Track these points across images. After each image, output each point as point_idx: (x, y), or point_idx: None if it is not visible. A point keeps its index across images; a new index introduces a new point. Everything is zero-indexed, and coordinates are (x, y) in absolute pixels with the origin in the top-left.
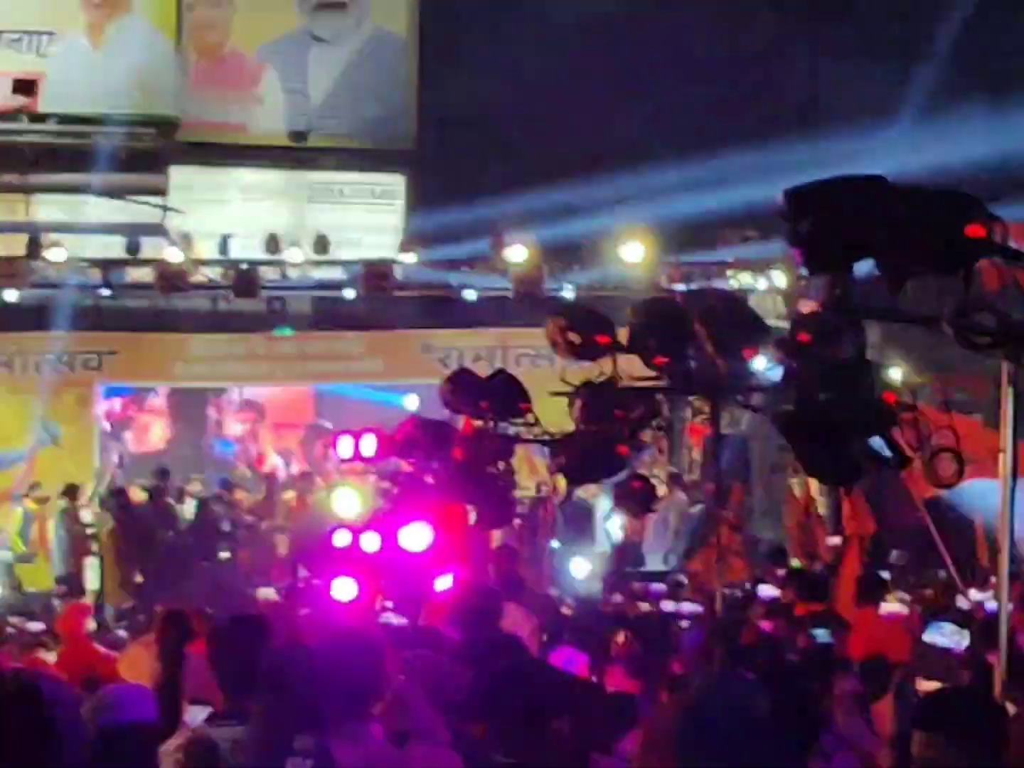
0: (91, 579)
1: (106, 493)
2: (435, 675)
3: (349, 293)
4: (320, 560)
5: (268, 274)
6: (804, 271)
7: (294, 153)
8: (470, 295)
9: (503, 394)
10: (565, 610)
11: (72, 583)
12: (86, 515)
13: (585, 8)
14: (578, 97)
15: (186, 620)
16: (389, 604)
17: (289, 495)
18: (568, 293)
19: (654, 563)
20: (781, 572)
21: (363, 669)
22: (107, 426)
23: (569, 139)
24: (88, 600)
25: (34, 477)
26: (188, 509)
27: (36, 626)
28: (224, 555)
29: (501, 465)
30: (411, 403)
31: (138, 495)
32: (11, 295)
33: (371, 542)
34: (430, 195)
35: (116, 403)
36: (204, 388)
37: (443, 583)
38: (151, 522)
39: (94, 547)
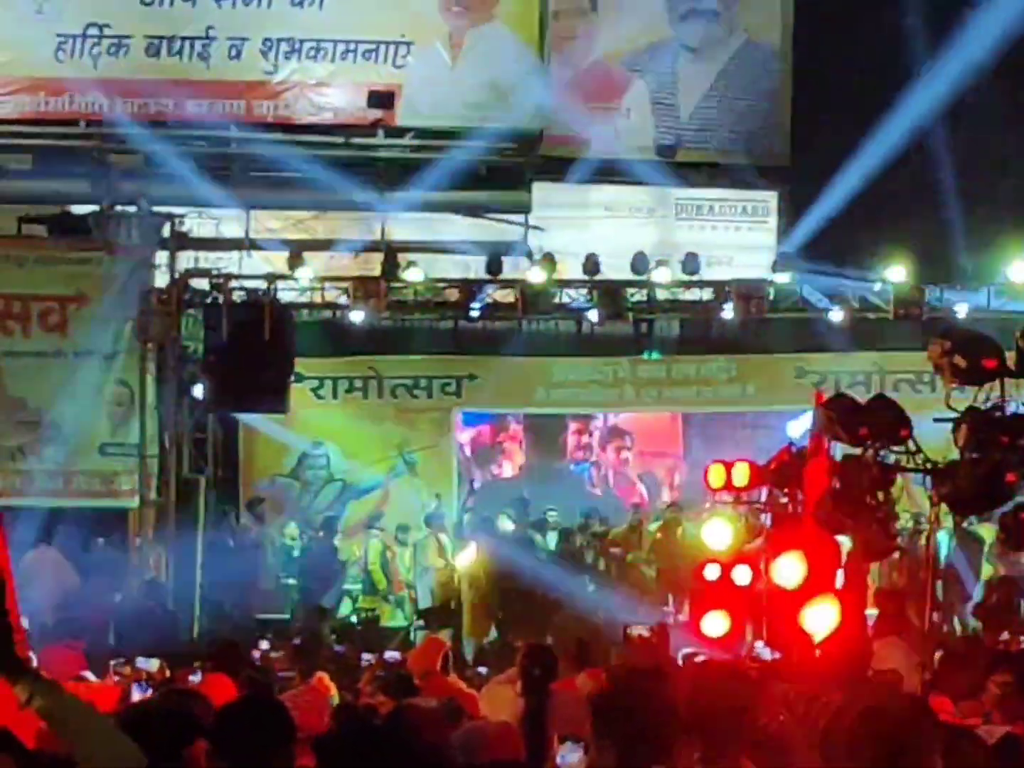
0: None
1: (469, 523)
2: (811, 712)
3: (724, 314)
4: (690, 595)
5: (635, 295)
6: None
7: (661, 168)
8: (846, 317)
9: (883, 420)
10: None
11: (432, 617)
12: (445, 543)
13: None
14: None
15: (550, 656)
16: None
17: (655, 526)
18: (954, 315)
19: None
20: None
21: (735, 704)
22: (467, 452)
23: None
24: (446, 636)
25: (386, 507)
26: (549, 540)
27: (392, 656)
28: (590, 588)
29: (880, 495)
30: (795, 430)
31: (505, 524)
32: (366, 316)
33: (743, 576)
34: (803, 212)
35: (481, 430)
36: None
37: (817, 619)
38: (513, 554)
39: (456, 580)
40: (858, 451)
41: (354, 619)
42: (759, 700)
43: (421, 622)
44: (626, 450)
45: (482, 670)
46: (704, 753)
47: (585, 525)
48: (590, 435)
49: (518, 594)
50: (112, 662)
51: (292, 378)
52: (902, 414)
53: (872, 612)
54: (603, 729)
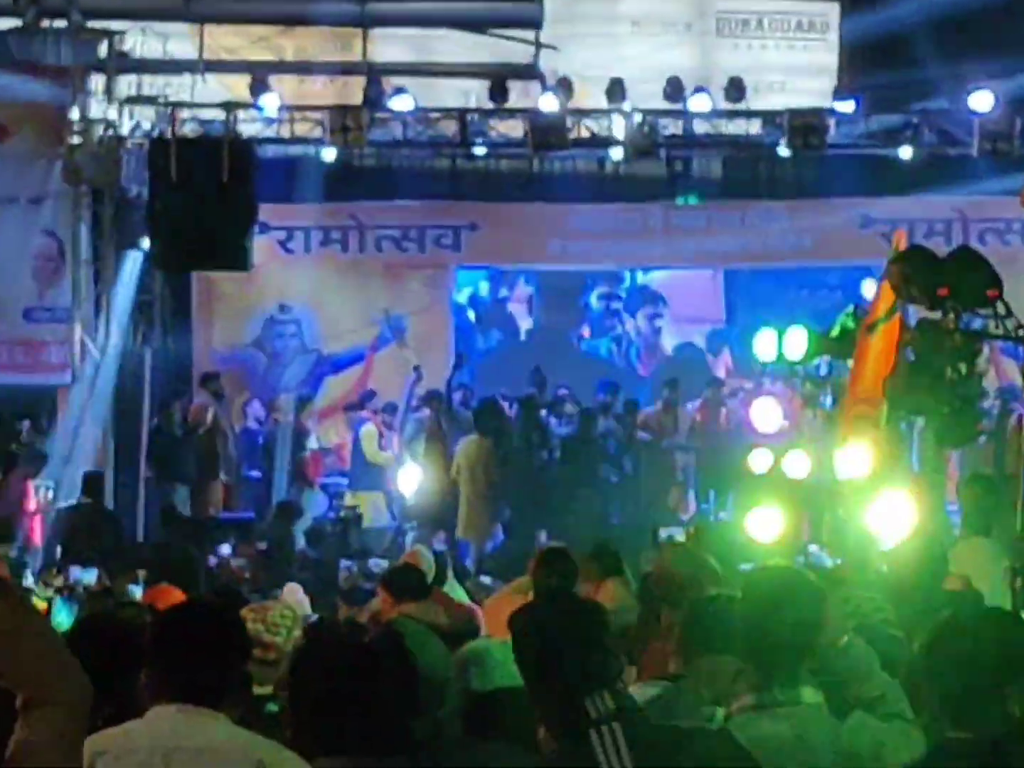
0: None
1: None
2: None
3: (776, 151)
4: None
5: (668, 128)
6: None
7: None
8: (921, 154)
9: (966, 278)
10: None
11: (424, 516)
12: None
13: None
14: None
15: (569, 562)
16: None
17: (693, 405)
18: None
19: None
20: None
21: (800, 619)
22: (468, 315)
23: None
24: (440, 540)
25: (371, 384)
26: (564, 425)
27: (377, 563)
28: (613, 481)
29: (963, 368)
30: (868, 289)
31: (509, 405)
32: (344, 154)
33: (798, 465)
34: (871, 26)
35: (480, 289)
36: (583, 272)
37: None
38: (519, 441)
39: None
40: (937, 315)
41: (332, 519)
42: (824, 615)
43: (412, 523)
44: (659, 318)
45: (485, 579)
46: (761, 681)
47: (607, 405)
48: (619, 300)
49: (526, 489)
50: (43, 572)
51: (255, 228)
52: (990, 270)
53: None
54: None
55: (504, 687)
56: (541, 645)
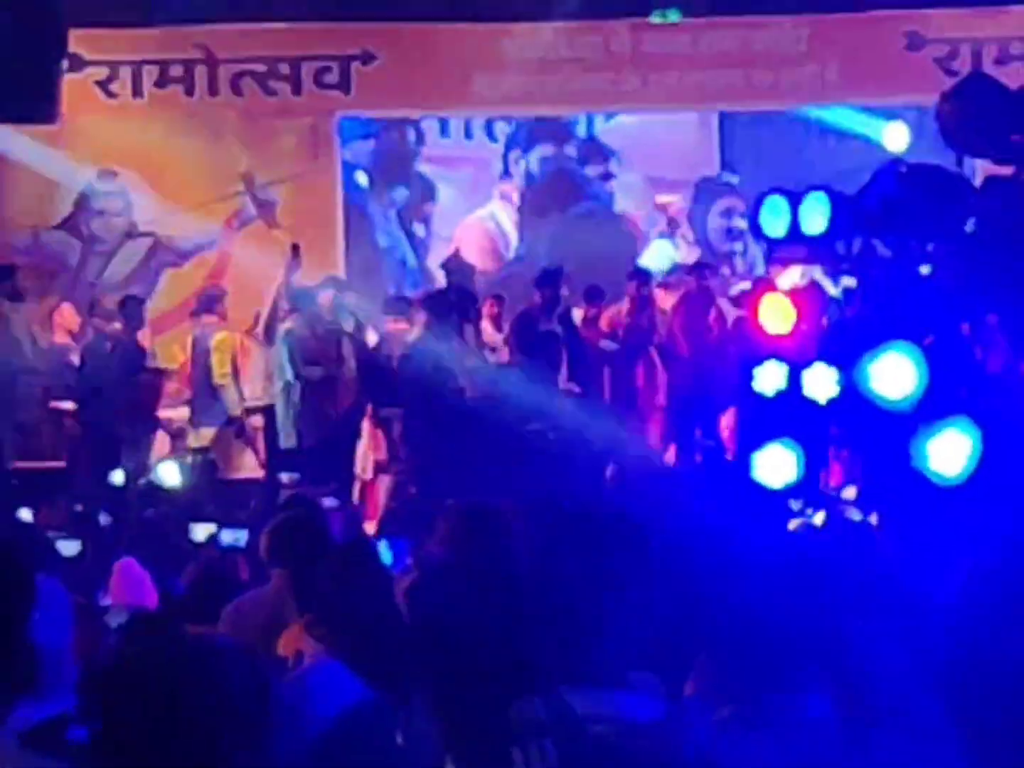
0: None
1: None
2: None
3: None
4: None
5: None
6: None
7: None
8: None
9: None
10: None
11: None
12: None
13: None
14: None
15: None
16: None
17: (666, 298)
18: None
19: None
20: None
21: None
22: (363, 180)
23: None
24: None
25: (227, 278)
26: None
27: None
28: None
29: None
30: (895, 138)
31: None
32: None
33: (822, 382)
34: None
35: (382, 140)
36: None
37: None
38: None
39: None
40: (1009, 171)
41: (176, 468)
42: None
43: (293, 473)
44: (609, 178)
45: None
46: None
47: (553, 299)
48: (569, 160)
49: (450, 415)
50: None
51: (65, 64)
52: None
53: None
54: None
55: None
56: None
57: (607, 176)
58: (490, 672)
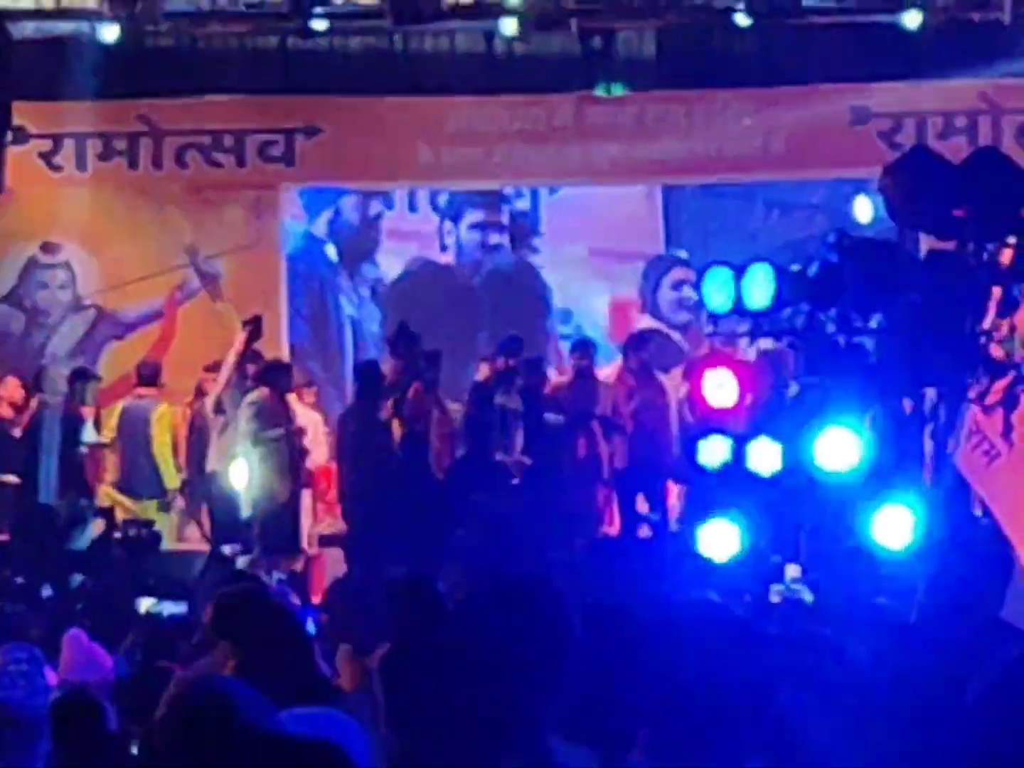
0: None
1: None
2: None
3: (732, 19)
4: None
5: None
6: None
7: None
8: (932, 21)
9: (993, 193)
10: None
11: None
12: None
13: None
14: None
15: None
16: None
17: (607, 370)
18: None
19: None
20: None
21: None
22: (332, 255)
23: None
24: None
25: (173, 350)
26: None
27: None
28: (512, 480)
29: (1002, 327)
30: (862, 211)
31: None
32: (130, 30)
33: (764, 456)
34: None
35: (325, 218)
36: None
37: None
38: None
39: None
40: (951, 245)
41: (120, 541)
42: None
43: (236, 545)
44: (534, 253)
45: None
46: None
47: (506, 374)
48: (500, 230)
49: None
50: None
51: (9, 137)
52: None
53: None
54: None
55: None
56: None
57: (533, 249)
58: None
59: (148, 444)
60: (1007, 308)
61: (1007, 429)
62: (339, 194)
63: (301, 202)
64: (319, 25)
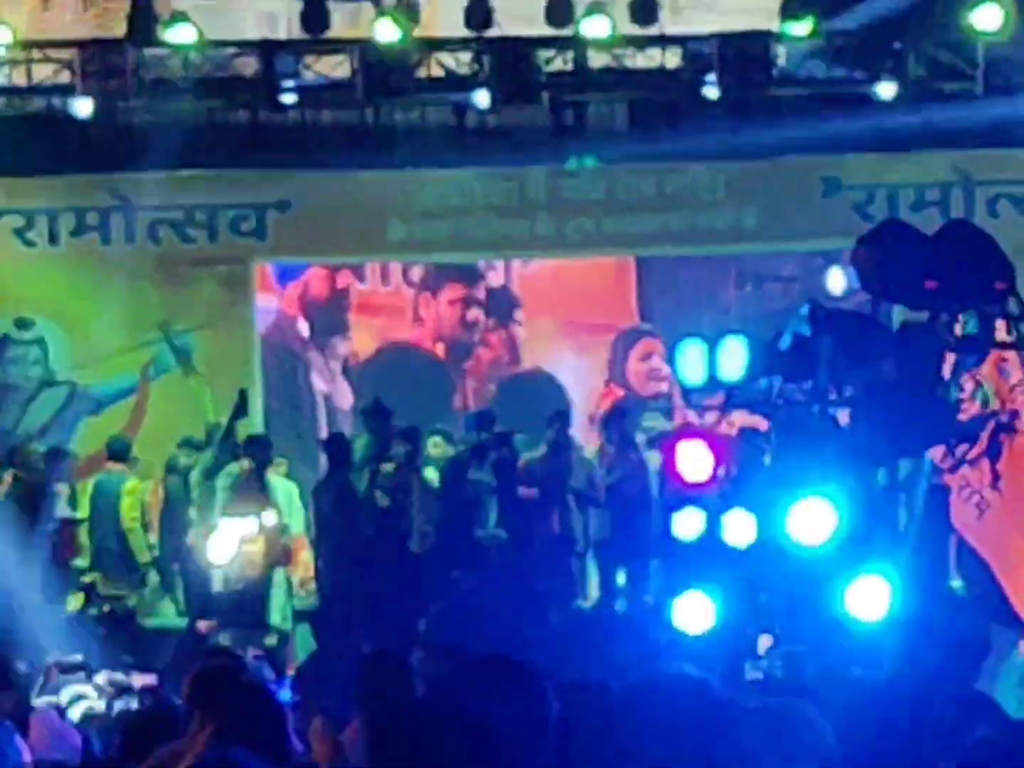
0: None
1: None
2: None
3: (702, 93)
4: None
5: (553, 62)
6: None
7: None
8: (905, 92)
9: (965, 265)
10: None
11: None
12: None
13: None
14: None
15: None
16: None
17: (591, 451)
18: None
19: None
20: None
21: None
22: (304, 331)
23: None
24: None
25: (138, 429)
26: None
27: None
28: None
29: (967, 384)
30: (834, 282)
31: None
32: (103, 107)
33: (740, 530)
34: None
35: (295, 292)
36: (444, 265)
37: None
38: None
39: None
40: (924, 316)
41: (94, 617)
42: None
43: (210, 621)
44: (514, 325)
45: None
46: None
47: (482, 447)
48: (479, 305)
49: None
50: None
51: None
52: (997, 254)
53: None
54: None
55: None
56: None
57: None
58: None
59: (118, 519)
60: (971, 364)
61: (995, 479)
62: (308, 268)
63: (273, 276)
64: (290, 98)
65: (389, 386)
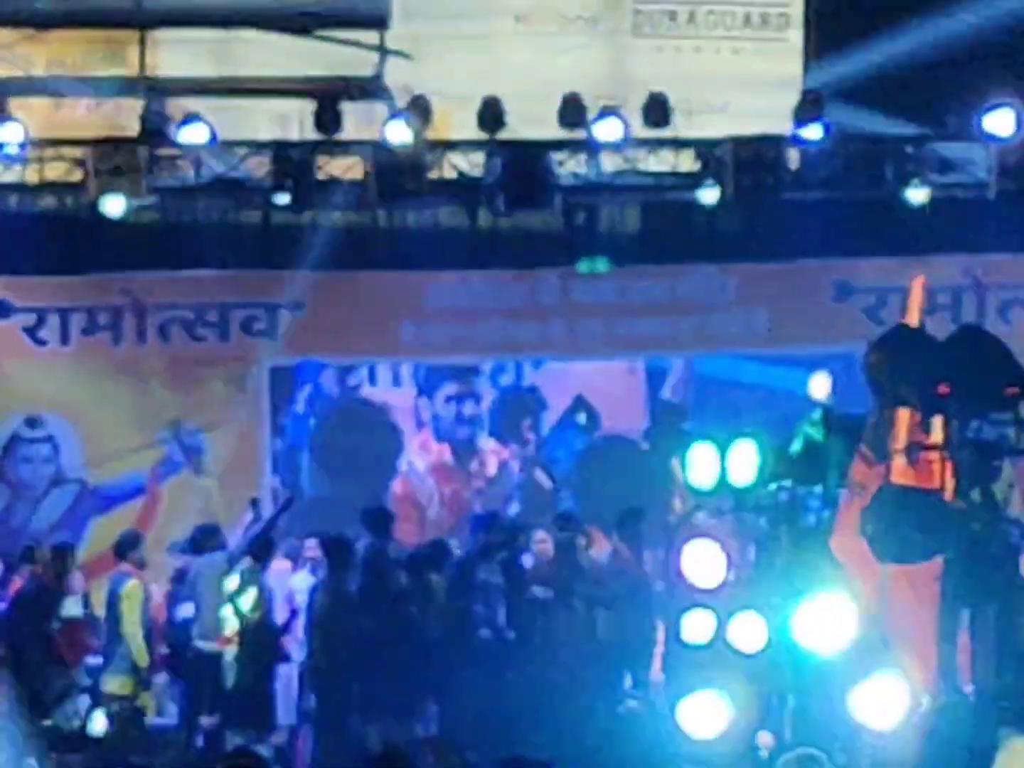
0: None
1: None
2: None
3: (713, 196)
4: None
5: (565, 164)
6: None
7: None
8: (918, 196)
9: (976, 370)
10: None
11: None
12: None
13: None
14: None
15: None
16: None
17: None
18: None
19: None
20: None
21: None
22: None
23: None
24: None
25: (148, 529)
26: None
27: None
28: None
29: (974, 494)
30: (818, 387)
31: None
32: (114, 205)
33: (749, 635)
34: (847, 27)
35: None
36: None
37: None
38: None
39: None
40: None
41: (102, 718)
42: None
43: (213, 718)
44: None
45: None
46: None
47: (488, 547)
48: (476, 402)
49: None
50: None
51: None
52: (1008, 359)
53: None
54: None
55: None
56: None
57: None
58: None
59: (119, 620)
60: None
61: None
62: (319, 368)
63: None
64: (301, 199)
65: None
